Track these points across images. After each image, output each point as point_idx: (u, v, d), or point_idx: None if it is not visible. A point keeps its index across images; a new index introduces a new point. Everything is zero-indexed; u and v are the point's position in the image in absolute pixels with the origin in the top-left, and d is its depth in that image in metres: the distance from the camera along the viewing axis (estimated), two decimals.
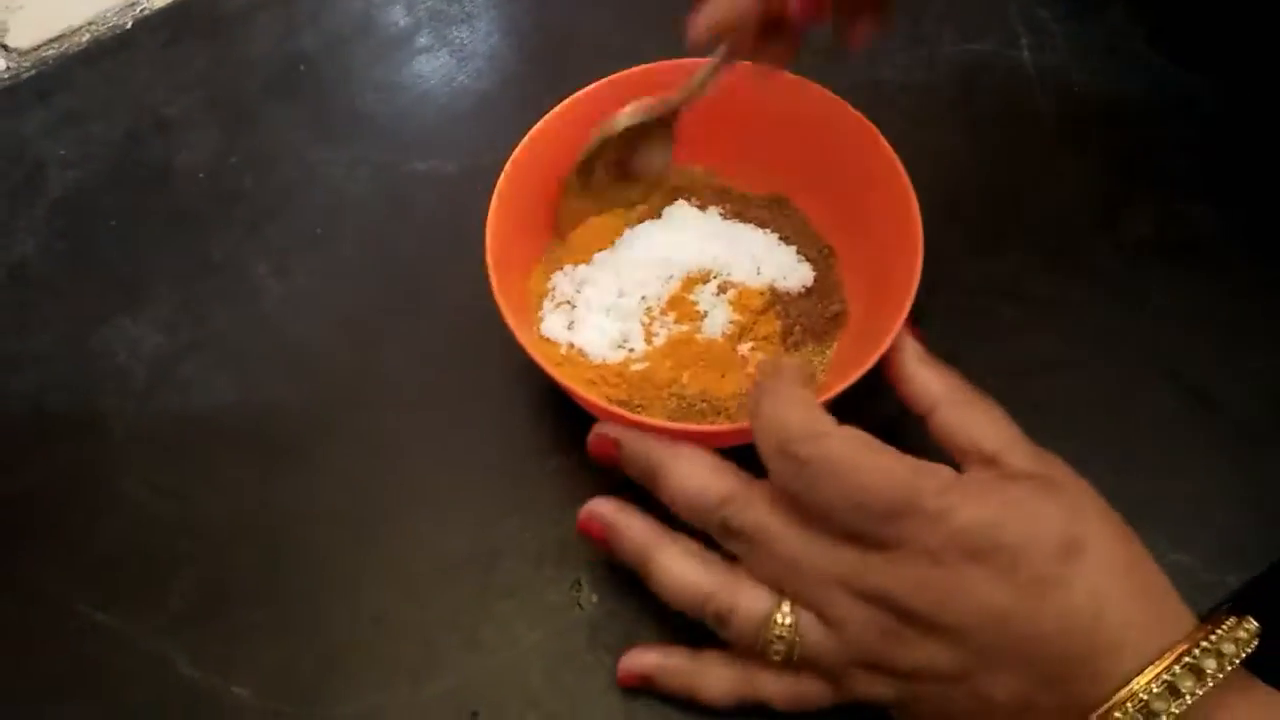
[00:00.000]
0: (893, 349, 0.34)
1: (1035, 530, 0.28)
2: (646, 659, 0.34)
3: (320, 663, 0.36)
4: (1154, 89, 0.46)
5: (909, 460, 0.29)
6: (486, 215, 0.38)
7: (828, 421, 0.30)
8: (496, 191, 0.38)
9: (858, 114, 0.39)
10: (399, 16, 0.52)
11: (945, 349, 0.35)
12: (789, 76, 0.39)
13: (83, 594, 0.37)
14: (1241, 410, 0.39)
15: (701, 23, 0.34)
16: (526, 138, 0.39)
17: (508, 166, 0.38)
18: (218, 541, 0.38)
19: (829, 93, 0.39)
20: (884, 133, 0.38)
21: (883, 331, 0.34)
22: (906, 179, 0.37)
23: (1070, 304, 0.42)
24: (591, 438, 0.34)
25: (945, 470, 0.29)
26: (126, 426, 0.41)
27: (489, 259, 0.36)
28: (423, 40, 0.51)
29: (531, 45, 0.52)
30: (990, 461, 0.30)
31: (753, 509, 0.31)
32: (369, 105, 0.49)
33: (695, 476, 0.32)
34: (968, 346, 0.39)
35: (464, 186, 0.46)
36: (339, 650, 0.36)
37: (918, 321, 0.34)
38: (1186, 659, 0.26)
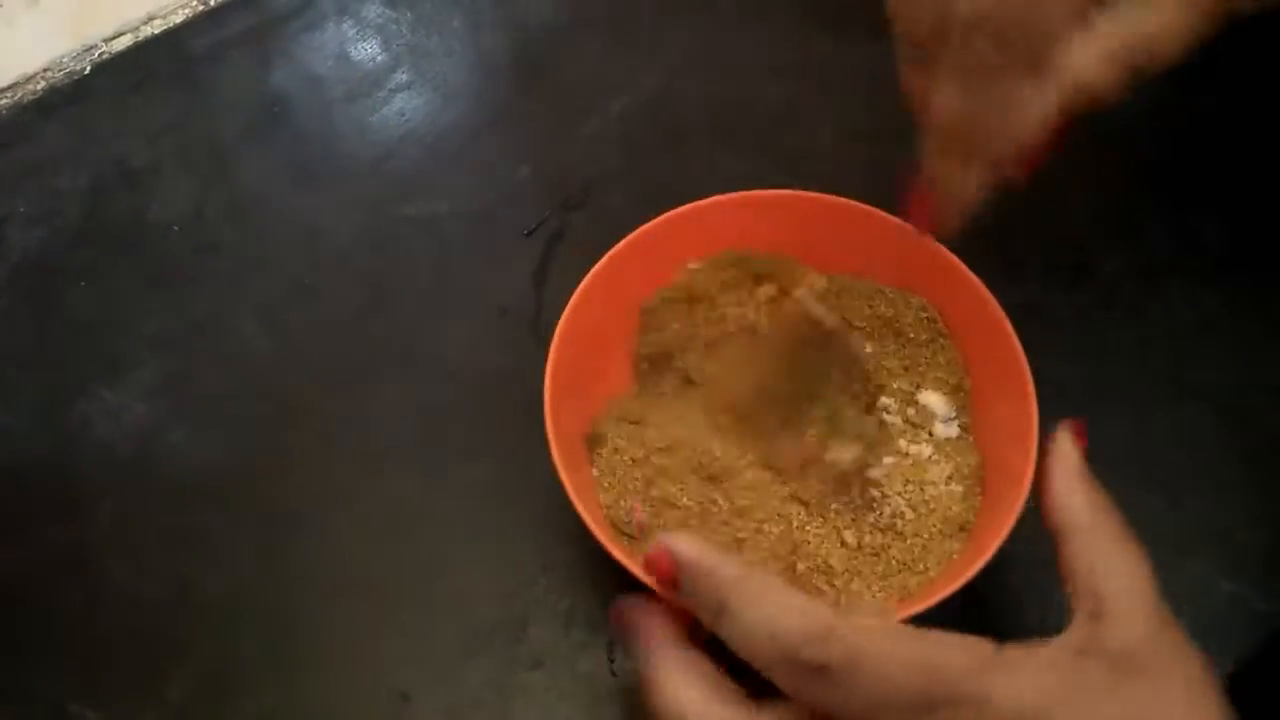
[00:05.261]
0: (1050, 459, 0.30)
1: None
2: None
3: None
4: (1158, 106, 0.46)
5: (940, 638, 0.26)
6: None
7: (826, 611, 0.26)
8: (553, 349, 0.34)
9: (978, 280, 0.37)
10: (375, 52, 0.50)
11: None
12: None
13: (74, 691, 0.35)
14: (1272, 426, 0.38)
15: (946, 226, 0.35)
16: (581, 287, 0.35)
17: (561, 324, 0.35)
18: (220, 622, 0.36)
19: (955, 259, 0.37)
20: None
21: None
22: (1022, 355, 0.35)
23: (1091, 324, 0.41)
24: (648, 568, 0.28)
25: (986, 646, 0.26)
26: (112, 504, 0.38)
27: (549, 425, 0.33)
28: (402, 76, 0.49)
29: (516, 78, 0.50)
30: (1095, 617, 0.27)
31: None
32: (351, 146, 0.47)
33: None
34: None
35: (457, 228, 0.44)
36: None
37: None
38: None
